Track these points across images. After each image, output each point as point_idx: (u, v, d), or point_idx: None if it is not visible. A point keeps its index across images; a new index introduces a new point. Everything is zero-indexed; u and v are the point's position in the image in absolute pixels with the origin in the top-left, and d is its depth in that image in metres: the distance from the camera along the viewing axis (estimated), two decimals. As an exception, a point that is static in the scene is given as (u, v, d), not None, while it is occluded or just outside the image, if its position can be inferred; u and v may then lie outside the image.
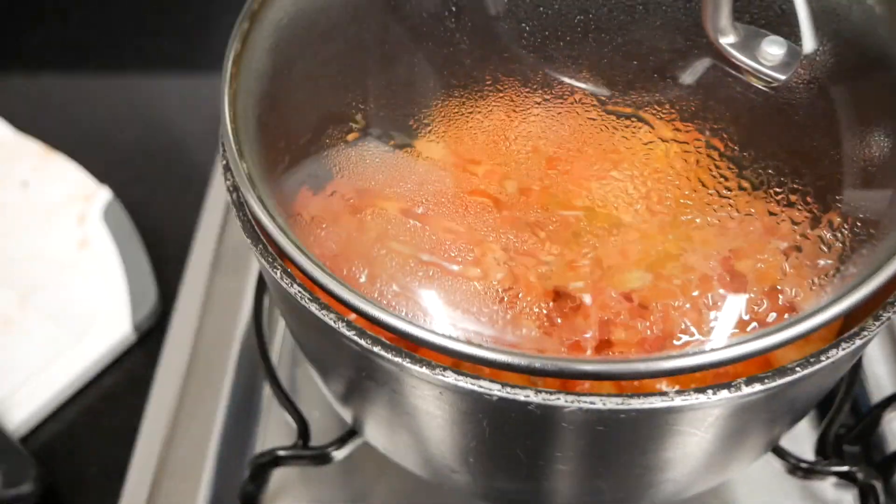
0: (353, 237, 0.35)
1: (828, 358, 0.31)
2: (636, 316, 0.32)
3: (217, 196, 0.63)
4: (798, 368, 0.31)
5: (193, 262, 0.59)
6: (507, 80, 0.38)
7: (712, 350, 0.31)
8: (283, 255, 0.34)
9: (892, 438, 0.48)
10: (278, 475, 0.50)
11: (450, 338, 0.31)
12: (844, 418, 0.49)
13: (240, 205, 0.36)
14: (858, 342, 0.32)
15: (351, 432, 0.45)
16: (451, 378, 0.31)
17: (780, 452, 0.44)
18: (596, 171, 0.35)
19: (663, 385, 0.33)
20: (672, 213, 0.34)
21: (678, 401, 0.30)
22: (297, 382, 0.55)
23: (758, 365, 0.33)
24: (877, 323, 0.32)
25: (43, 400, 0.55)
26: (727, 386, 0.30)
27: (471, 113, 0.38)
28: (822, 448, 0.45)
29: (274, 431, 0.53)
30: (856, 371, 0.46)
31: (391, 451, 0.42)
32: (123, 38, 0.81)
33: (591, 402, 0.30)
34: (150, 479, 0.49)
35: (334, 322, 0.32)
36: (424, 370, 0.31)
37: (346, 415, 0.44)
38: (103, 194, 0.65)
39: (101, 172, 0.66)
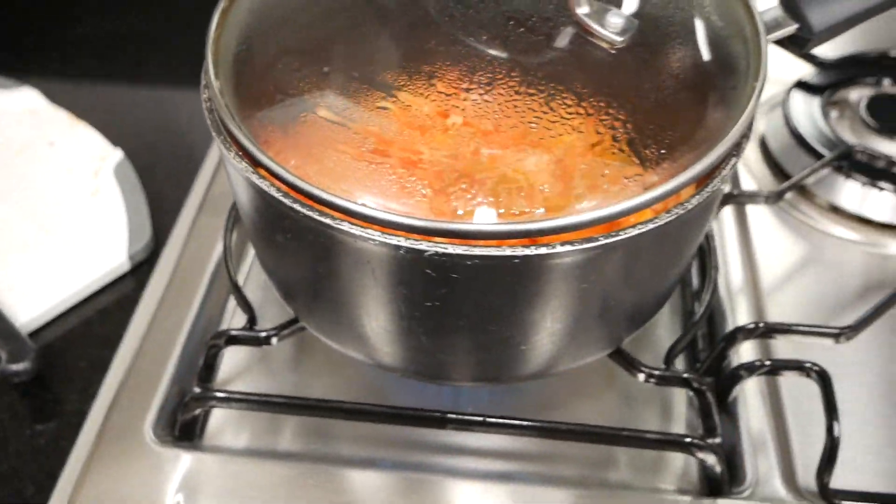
0: (291, 133, 0.46)
1: (625, 233, 0.41)
2: (490, 195, 0.43)
3: (210, 165, 0.75)
4: (601, 238, 0.41)
5: (186, 210, 0.71)
6: (432, 45, 0.50)
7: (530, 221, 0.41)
8: (237, 144, 0.45)
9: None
10: (228, 366, 0.61)
11: (342, 198, 0.41)
12: (695, 342, 0.59)
13: (211, 111, 0.47)
14: (651, 226, 0.41)
15: (290, 322, 0.56)
16: (345, 226, 0.41)
17: (631, 360, 0.54)
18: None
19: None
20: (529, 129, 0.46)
21: (507, 251, 0.41)
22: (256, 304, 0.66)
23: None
24: (656, 220, 0.42)
25: (47, 307, 0.66)
26: (545, 245, 0.41)
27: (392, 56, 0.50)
28: (668, 358, 0.55)
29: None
30: (711, 301, 0.57)
31: (317, 324, 0.53)
32: (141, 36, 0.96)
33: (444, 248, 0.40)
34: (127, 365, 0.60)
35: (266, 186, 0.43)
36: (326, 220, 0.41)
37: (290, 306, 0.55)
38: (116, 154, 0.77)
39: (116, 138, 0.79)
